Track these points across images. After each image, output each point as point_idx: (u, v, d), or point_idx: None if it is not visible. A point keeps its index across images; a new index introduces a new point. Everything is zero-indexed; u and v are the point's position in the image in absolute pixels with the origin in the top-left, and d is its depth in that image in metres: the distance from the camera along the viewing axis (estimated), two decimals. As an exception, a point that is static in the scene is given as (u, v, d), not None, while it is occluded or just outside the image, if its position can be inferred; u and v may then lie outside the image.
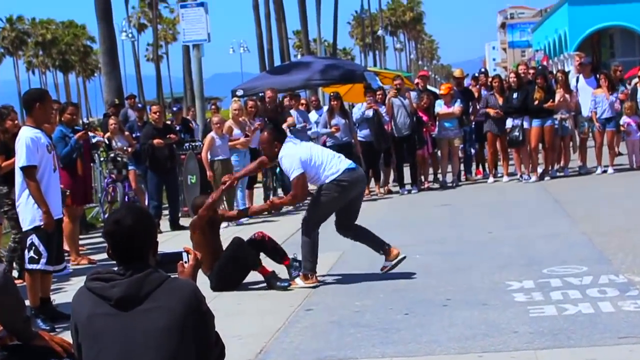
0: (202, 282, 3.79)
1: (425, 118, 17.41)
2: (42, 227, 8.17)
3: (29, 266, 8.33)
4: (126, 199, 15.97)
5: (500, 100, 17.28)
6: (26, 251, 8.34)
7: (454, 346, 6.59)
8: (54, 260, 8.43)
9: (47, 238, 8.25)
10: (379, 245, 9.40)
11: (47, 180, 8.35)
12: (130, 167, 15.77)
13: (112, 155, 16.21)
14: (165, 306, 3.65)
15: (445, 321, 7.30)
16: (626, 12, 53.85)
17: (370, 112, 16.54)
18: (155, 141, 14.73)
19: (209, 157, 14.90)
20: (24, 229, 8.43)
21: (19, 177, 8.29)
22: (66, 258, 10.59)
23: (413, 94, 18.00)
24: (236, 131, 15.49)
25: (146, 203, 15.16)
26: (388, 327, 7.27)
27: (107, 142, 16.48)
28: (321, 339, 7.13)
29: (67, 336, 4.26)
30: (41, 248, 8.20)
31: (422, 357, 6.46)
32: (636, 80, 18.69)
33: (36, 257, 8.22)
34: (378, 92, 17.46)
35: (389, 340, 6.91)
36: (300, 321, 7.77)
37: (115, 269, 3.76)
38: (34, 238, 8.22)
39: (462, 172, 18.63)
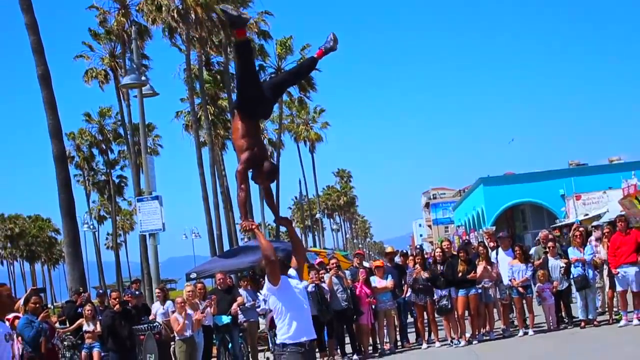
0: None
1: (368, 291, 17.52)
2: None
3: None
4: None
5: (423, 274, 17.52)
6: None
7: None
8: None
9: None
10: None
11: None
12: (95, 349, 15.69)
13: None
14: None
15: None
16: (533, 190, 55.64)
17: (312, 287, 16.64)
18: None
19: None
20: None
21: None
22: None
23: (348, 273, 18.19)
24: (189, 311, 15.37)
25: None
26: None
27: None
28: None
29: None
30: None
31: None
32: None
33: None
34: (321, 272, 17.54)
35: None
36: None
37: None
38: None
39: (399, 340, 18.51)
